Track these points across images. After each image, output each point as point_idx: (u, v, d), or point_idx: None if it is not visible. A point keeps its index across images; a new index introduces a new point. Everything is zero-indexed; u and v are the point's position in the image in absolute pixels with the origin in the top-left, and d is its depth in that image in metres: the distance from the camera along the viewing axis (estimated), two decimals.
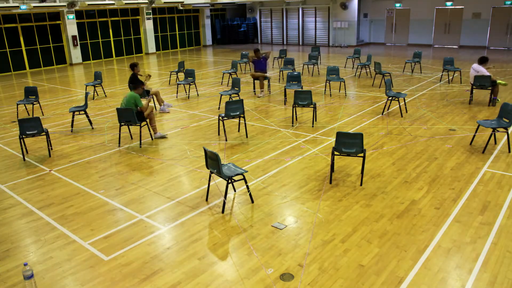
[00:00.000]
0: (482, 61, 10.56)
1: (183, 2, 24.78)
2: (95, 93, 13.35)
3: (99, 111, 11.43)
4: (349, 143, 6.17)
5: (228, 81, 14.56)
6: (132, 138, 8.83)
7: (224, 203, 5.76)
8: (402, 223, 5.16)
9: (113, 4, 21.64)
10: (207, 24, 28.62)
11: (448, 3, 22.35)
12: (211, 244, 4.89)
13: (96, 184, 6.69)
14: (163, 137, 8.83)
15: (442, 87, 12.72)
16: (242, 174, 5.63)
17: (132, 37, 24.58)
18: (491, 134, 7.48)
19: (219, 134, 8.83)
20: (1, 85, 16.66)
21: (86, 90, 12.76)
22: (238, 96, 11.06)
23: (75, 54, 21.55)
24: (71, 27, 21.08)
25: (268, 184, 6.43)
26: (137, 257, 4.68)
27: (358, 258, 4.50)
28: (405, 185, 6.22)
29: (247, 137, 8.61)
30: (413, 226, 5.09)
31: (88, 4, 20.57)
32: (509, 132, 7.54)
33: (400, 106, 10.14)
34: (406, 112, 9.98)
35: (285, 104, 11.17)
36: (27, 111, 11.49)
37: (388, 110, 10.18)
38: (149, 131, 8.79)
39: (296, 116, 9.64)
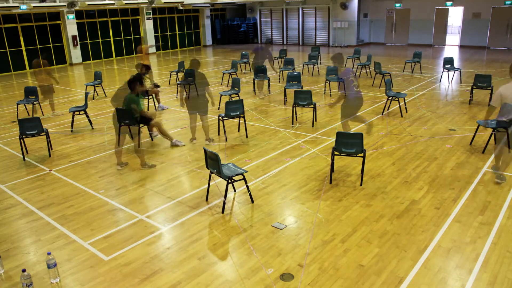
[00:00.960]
0: None
1: (183, 2, 24.78)
2: (95, 93, 13.35)
3: (99, 111, 11.43)
4: (349, 143, 6.17)
5: (228, 81, 14.56)
6: (132, 138, 8.82)
7: (224, 203, 5.76)
8: (402, 223, 5.16)
9: (113, 4, 21.64)
10: (207, 24, 28.62)
11: (448, 3, 22.35)
12: (211, 244, 4.89)
13: (96, 184, 6.69)
14: (177, 145, 8.34)
15: (442, 87, 12.73)
16: (242, 174, 5.63)
17: (132, 37, 24.58)
18: (491, 134, 7.48)
19: (219, 134, 8.83)
20: (1, 85, 16.66)
21: (86, 90, 12.76)
22: (238, 96, 11.06)
23: (75, 54, 21.55)
24: (71, 27, 21.07)
25: (268, 184, 6.43)
26: (137, 257, 4.68)
27: (358, 258, 4.50)
28: (405, 185, 6.22)
29: (247, 137, 8.61)
30: (413, 226, 5.09)
31: (88, 4, 20.57)
32: (509, 132, 7.53)
33: (400, 106, 10.14)
34: (406, 112, 9.98)
35: (285, 104, 11.17)
36: (27, 111, 11.48)
37: (388, 110, 10.18)
38: (149, 132, 8.79)
39: (296, 116, 9.64)
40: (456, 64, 16.19)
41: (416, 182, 6.31)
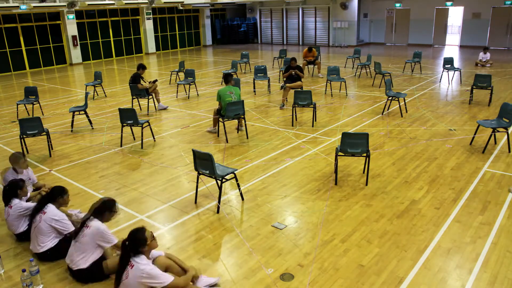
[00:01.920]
0: None
1: (183, 2, 24.78)
2: (95, 93, 13.35)
3: (99, 111, 11.43)
4: (354, 144, 6.13)
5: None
6: (134, 139, 8.83)
7: (219, 202, 5.76)
8: (402, 223, 5.16)
9: (113, 4, 21.64)
10: (207, 24, 28.62)
11: (448, 3, 22.35)
12: (211, 244, 4.89)
13: (96, 184, 6.69)
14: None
15: (441, 87, 12.73)
16: (233, 172, 5.65)
17: (132, 37, 24.58)
18: (491, 134, 7.48)
19: (218, 136, 8.81)
20: (1, 85, 16.67)
21: (86, 90, 12.76)
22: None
23: (75, 54, 21.55)
24: (71, 27, 21.07)
25: (268, 184, 6.43)
26: None
27: (358, 258, 4.50)
28: (405, 185, 6.22)
29: (247, 138, 8.61)
30: (413, 226, 5.09)
31: (88, 4, 20.56)
32: (509, 132, 7.54)
33: (400, 106, 10.14)
34: (406, 112, 9.98)
35: (284, 105, 11.16)
36: (27, 111, 11.48)
37: (388, 110, 10.18)
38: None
39: (296, 116, 9.64)
40: (456, 64, 16.18)
41: (416, 182, 6.31)
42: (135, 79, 10.88)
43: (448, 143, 7.88)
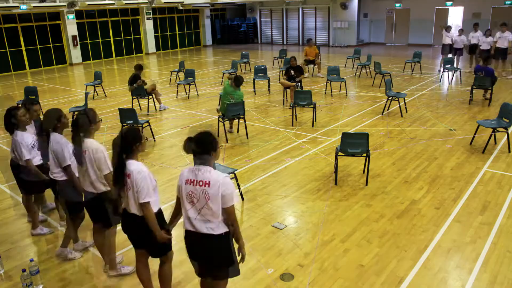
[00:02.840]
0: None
1: (183, 2, 24.77)
2: (95, 93, 13.35)
3: (99, 111, 11.40)
4: (354, 144, 6.14)
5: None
6: None
7: None
8: (402, 223, 5.16)
9: (113, 4, 21.63)
10: (207, 24, 28.61)
11: (448, 3, 22.34)
12: None
13: None
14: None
15: (442, 87, 12.73)
16: (233, 172, 5.65)
17: (132, 37, 24.58)
18: (491, 134, 7.48)
19: (218, 136, 8.81)
20: (1, 85, 16.66)
21: (86, 90, 12.75)
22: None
23: (75, 54, 21.55)
24: (71, 27, 21.07)
25: (268, 184, 6.43)
26: None
27: (358, 258, 4.50)
28: (405, 185, 6.22)
29: (247, 138, 8.61)
30: (413, 226, 5.09)
31: (88, 4, 20.56)
32: (509, 132, 7.54)
33: (400, 106, 10.14)
34: (406, 112, 9.98)
35: (283, 105, 11.17)
36: None
37: (388, 110, 10.17)
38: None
39: (296, 116, 9.63)
40: (456, 64, 16.17)
41: (416, 182, 6.31)
42: (134, 80, 10.86)
43: (448, 143, 7.88)
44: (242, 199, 5.90)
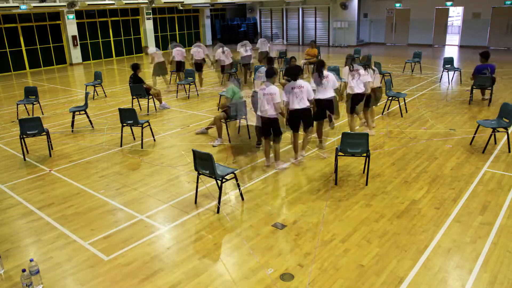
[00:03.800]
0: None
1: (183, 2, 24.77)
2: (95, 93, 13.35)
3: (99, 111, 11.43)
4: (354, 143, 6.13)
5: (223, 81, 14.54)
6: (134, 139, 8.83)
7: (219, 202, 5.76)
8: (402, 223, 5.16)
9: (113, 4, 21.63)
10: (207, 24, 28.61)
11: (448, 3, 22.34)
12: (211, 244, 4.89)
13: (96, 184, 6.69)
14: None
15: (441, 87, 12.73)
16: (233, 172, 5.66)
17: (132, 37, 24.57)
18: (491, 134, 7.48)
19: (221, 136, 8.79)
20: (1, 85, 16.66)
21: (86, 90, 12.75)
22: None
23: (75, 54, 21.54)
24: (71, 27, 21.06)
25: (268, 184, 6.43)
26: (137, 257, 4.68)
27: (358, 258, 4.50)
28: (405, 185, 6.22)
29: (249, 138, 8.61)
30: (413, 226, 5.09)
31: (88, 4, 20.56)
32: (509, 132, 7.54)
33: (400, 106, 10.14)
34: (406, 112, 9.98)
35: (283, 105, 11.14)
36: (27, 111, 11.48)
37: (388, 110, 10.17)
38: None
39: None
40: (456, 64, 16.17)
41: (416, 182, 6.31)
42: (137, 80, 10.83)
43: (448, 143, 7.88)
44: (242, 199, 5.91)
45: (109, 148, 8.35)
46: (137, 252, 4.78)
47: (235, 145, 8.24)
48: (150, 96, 10.94)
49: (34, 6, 18.51)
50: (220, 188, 5.62)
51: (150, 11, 24.57)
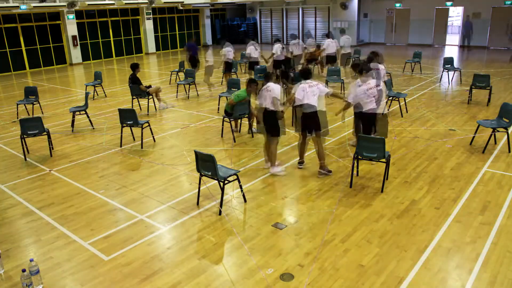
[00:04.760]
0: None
1: (183, 2, 24.77)
2: (95, 93, 13.35)
3: (99, 111, 11.43)
4: (370, 147, 5.97)
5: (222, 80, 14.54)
6: (134, 140, 8.83)
7: (221, 203, 5.76)
8: (402, 223, 5.16)
9: (113, 4, 21.63)
10: (207, 24, 28.62)
11: (448, 3, 22.34)
12: (211, 244, 4.89)
13: (96, 184, 6.69)
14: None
15: (441, 87, 12.73)
16: (235, 174, 5.65)
17: (132, 37, 24.58)
18: (491, 134, 7.48)
19: (222, 136, 8.80)
20: (1, 85, 16.67)
21: (86, 90, 12.76)
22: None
23: (75, 54, 21.55)
24: (71, 27, 21.07)
25: (268, 184, 6.43)
26: (137, 257, 4.68)
27: (358, 258, 4.50)
28: (405, 185, 6.22)
29: (252, 137, 8.62)
30: (413, 226, 5.09)
31: (88, 4, 20.56)
32: (509, 132, 7.54)
33: (400, 106, 10.14)
34: (407, 112, 9.98)
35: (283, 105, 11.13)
36: (27, 111, 11.48)
37: (388, 110, 10.17)
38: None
39: (296, 116, 9.61)
40: (456, 64, 16.17)
41: (416, 182, 6.31)
42: (135, 80, 10.85)
43: (448, 143, 7.88)
44: (245, 201, 5.87)
45: (109, 148, 8.35)
46: (137, 252, 4.78)
47: (236, 145, 8.24)
48: (150, 97, 10.94)
49: (34, 6, 18.51)
50: (222, 189, 5.61)
51: (150, 11, 24.58)
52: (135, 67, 10.75)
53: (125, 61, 22.47)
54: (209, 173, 5.58)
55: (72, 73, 19.24)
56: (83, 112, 9.69)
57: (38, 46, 20.46)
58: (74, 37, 21.25)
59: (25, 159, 7.91)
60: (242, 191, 5.90)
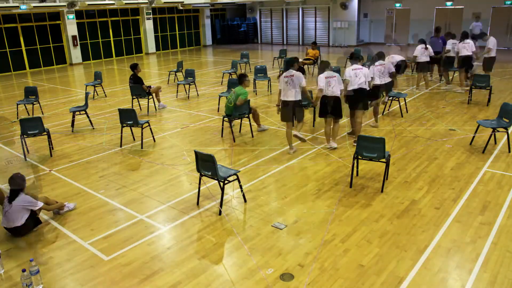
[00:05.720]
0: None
1: (183, 2, 24.77)
2: (95, 93, 13.36)
3: (99, 111, 11.43)
4: (370, 147, 5.97)
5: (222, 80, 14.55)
6: (134, 140, 8.83)
7: (221, 204, 5.76)
8: (402, 223, 5.16)
9: (113, 4, 21.63)
10: (207, 24, 28.61)
11: (448, 3, 22.34)
12: (211, 244, 4.89)
13: (96, 184, 6.69)
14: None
15: (441, 87, 12.72)
16: (235, 174, 5.64)
17: (132, 37, 24.58)
18: (491, 134, 7.48)
19: (222, 136, 8.80)
20: (1, 85, 16.67)
21: (86, 90, 12.76)
22: None
23: (75, 54, 21.55)
24: (71, 27, 21.07)
25: (268, 184, 6.43)
26: (137, 257, 4.69)
27: (358, 258, 4.50)
28: (405, 185, 6.22)
29: (252, 136, 8.62)
30: (413, 226, 5.09)
31: (88, 4, 20.56)
32: (509, 132, 7.54)
33: (400, 106, 10.14)
34: (407, 112, 9.98)
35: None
36: (27, 111, 11.49)
37: (388, 110, 10.18)
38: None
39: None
40: (456, 64, 16.14)
41: (416, 182, 6.31)
42: (138, 80, 10.83)
43: (448, 143, 7.88)
44: (245, 201, 5.87)
45: (109, 148, 8.35)
46: (137, 252, 4.78)
47: (237, 145, 8.24)
48: (150, 97, 10.94)
49: (34, 6, 18.51)
50: (222, 189, 5.61)
51: (150, 11, 24.58)
52: (134, 67, 10.75)
53: (125, 61, 22.47)
54: (209, 173, 5.58)
55: (72, 73, 19.24)
56: (83, 112, 9.69)
57: (38, 46, 20.47)
58: (74, 37, 21.25)
59: (25, 159, 7.91)
60: (242, 191, 5.90)
